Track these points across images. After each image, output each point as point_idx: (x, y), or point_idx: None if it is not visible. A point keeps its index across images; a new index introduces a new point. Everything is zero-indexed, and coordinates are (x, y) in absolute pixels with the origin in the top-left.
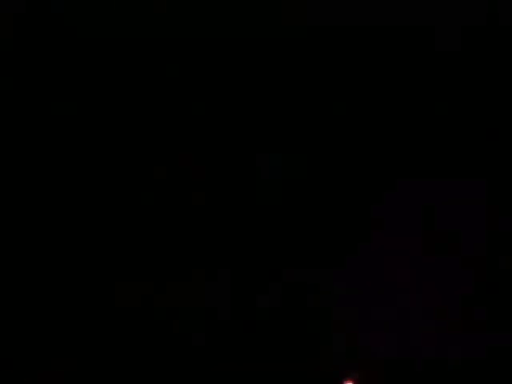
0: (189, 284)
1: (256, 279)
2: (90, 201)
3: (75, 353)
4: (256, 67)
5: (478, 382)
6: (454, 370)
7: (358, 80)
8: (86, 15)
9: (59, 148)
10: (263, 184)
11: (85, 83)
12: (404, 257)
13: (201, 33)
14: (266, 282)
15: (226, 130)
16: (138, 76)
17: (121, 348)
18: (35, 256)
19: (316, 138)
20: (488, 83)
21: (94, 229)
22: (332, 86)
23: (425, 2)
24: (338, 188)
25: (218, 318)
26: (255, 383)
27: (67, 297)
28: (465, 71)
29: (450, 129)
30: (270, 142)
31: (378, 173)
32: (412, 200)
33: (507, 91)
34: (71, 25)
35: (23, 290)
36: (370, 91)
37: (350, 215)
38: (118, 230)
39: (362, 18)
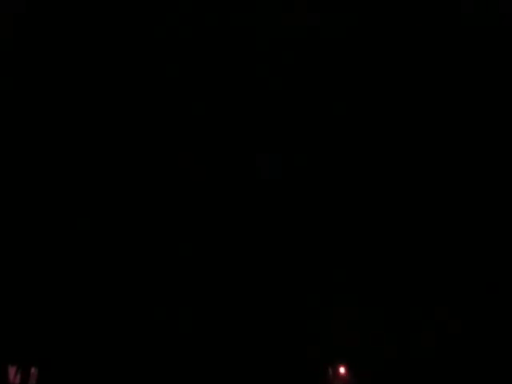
0: (189, 284)
1: (256, 276)
2: (88, 201)
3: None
4: (256, 68)
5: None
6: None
7: (358, 81)
8: (86, 15)
9: (59, 148)
10: (263, 184)
11: (84, 83)
12: (403, 257)
13: (201, 33)
14: (266, 279)
15: (226, 130)
16: (138, 76)
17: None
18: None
19: (315, 138)
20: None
21: (94, 230)
22: (331, 87)
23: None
24: (336, 188)
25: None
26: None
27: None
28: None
29: (448, 131)
30: (270, 142)
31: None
32: (411, 199)
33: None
34: (72, 25)
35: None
36: (369, 92)
37: (348, 216)
38: (119, 230)
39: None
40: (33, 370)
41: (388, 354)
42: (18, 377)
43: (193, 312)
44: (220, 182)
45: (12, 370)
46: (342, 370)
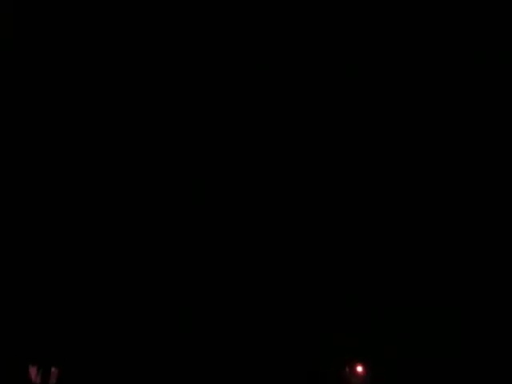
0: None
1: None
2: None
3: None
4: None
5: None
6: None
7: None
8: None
9: (59, 147)
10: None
11: (84, 83)
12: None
13: (200, 35)
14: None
15: (227, 130)
16: (138, 76)
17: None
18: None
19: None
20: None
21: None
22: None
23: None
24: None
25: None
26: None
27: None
28: None
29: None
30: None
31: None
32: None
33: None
34: (72, 25)
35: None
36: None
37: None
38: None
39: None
40: (53, 369)
41: (404, 353)
42: (39, 376)
43: (204, 312)
44: (220, 182)
45: (33, 370)
46: (359, 368)
